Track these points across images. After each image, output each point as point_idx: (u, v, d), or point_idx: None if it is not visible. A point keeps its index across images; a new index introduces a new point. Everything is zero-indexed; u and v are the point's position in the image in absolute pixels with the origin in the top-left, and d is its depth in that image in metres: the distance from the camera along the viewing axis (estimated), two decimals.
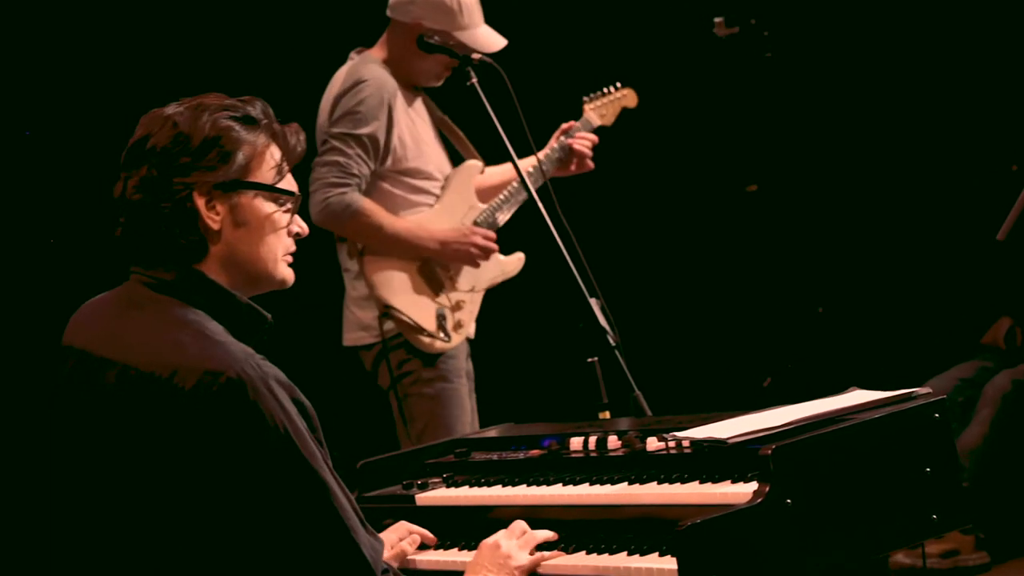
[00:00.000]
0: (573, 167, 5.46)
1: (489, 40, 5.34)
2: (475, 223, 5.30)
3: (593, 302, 4.47)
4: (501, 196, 5.36)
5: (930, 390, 3.23)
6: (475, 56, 4.83)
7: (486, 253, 5.25)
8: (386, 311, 5.11)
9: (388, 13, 5.36)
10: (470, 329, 5.33)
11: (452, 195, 5.34)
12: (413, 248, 5.17)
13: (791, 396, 3.54)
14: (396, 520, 3.57)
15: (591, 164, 5.50)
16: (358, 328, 5.25)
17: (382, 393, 5.30)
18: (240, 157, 2.92)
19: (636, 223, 7.29)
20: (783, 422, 3.08)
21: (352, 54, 5.38)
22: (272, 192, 2.97)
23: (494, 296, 5.43)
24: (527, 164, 5.07)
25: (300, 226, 3.06)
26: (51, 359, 3.13)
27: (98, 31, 6.11)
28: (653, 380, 4.79)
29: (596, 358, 4.39)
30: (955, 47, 6.57)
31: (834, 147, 6.94)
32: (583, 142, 5.47)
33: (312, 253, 3.43)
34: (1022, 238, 3.63)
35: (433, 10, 5.24)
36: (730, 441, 3.06)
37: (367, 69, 5.24)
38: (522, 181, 4.64)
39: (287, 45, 6.70)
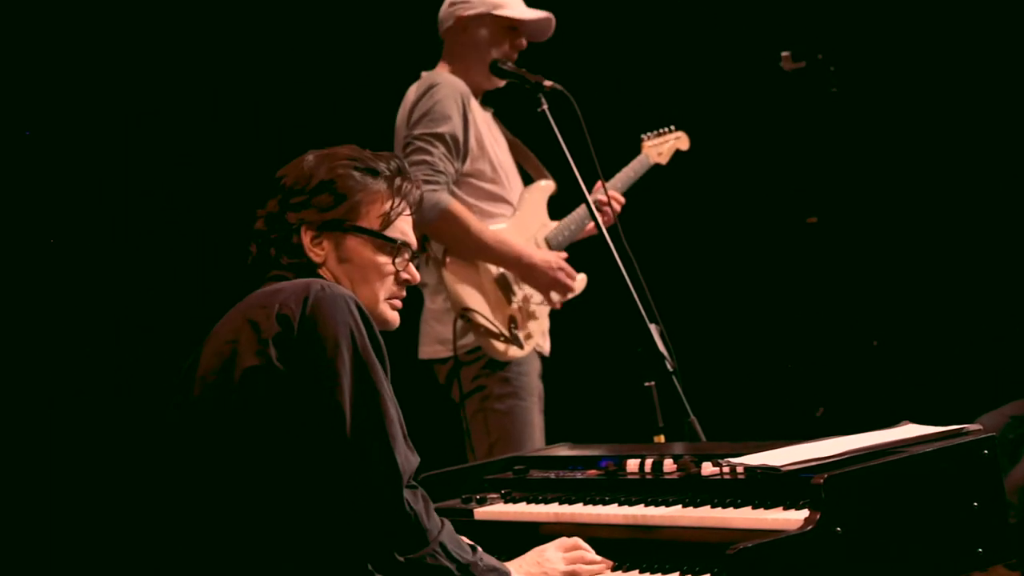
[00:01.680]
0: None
1: (533, 12, 5.50)
2: (545, 240, 5.40)
3: (653, 328, 4.57)
4: (569, 219, 5.45)
5: (980, 427, 3.31)
6: (547, 83, 4.93)
7: (564, 289, 5.33)
8: (463, 314, 5.18)
9: (440, 32, 5.54)
10: (543, 344, 5.41)
11: (526, 211, 5.45)
12: (496, 259, 5.25)
13: (844, 427, 3.61)
14: (459, 533, 3.67)
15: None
16: (434, 341, 5.34)
17: (454, 407, 5.37)
18: (351, 201, 3.28)
19: (700, 252, 7.37)
20: (835, 452, 3.16)
21: (423, 73, 5.49)
22: (373, 237, 3.28)
23: (560, 317, 5.51)
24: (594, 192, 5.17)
25: (411, 274, 3.37)
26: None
27: (98, 31, 6.15)
28: (709, 407, 4.88)
29: (653, 383, 4.48)
30: (1014, 88, 6.62)
31: (894, 182, 7.00)
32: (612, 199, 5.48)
33: None
34: None
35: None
36: (783, 469, 3.15)
37: (439, 76, 5.37)
38: (589, 209, 4.74)
39: (353, 72, 6.80)
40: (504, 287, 5.29)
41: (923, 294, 6.94)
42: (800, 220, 6.98)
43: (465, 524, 3.69)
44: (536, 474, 3.90)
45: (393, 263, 3.35)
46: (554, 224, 5.49)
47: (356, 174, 3.32)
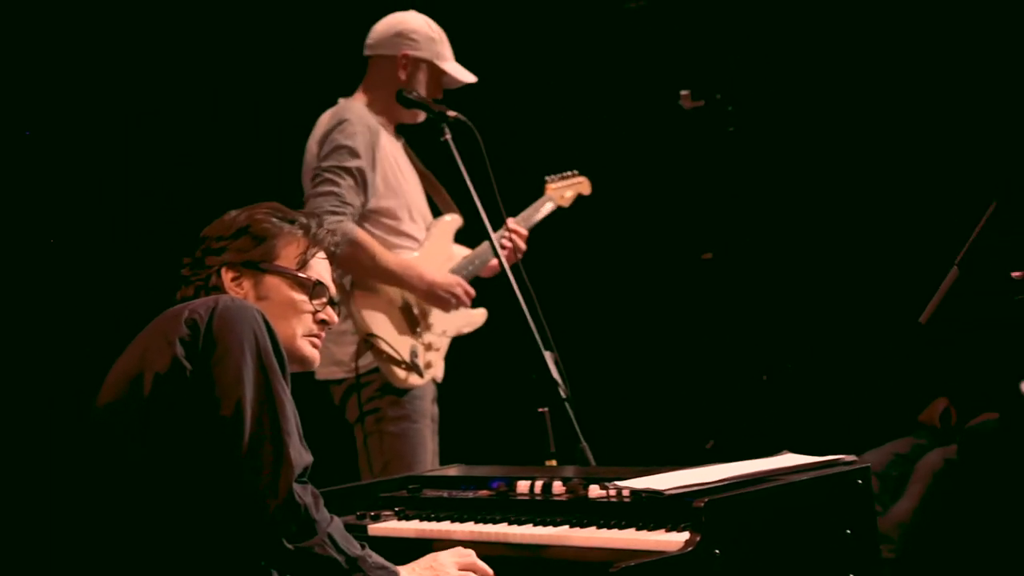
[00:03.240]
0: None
1: (465, 73, 5.66)
2: (451, 272, 5.51)
3: (548, 355, 4.71)
4: (473, 253, 5.57)
5: (855, 457, 3.46)
6: (451, 113, 5.05)
7: (463, 303, 5.46)
8: (368, 339, 5.27)
9: (367, 52, 5.61)
10: (438, 372, 5.51)
11: (433, 244, 5.55)
12: (400, 284, 5.35)
13: (732, 457, 3.73)
14: None
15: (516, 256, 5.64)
16: (331, 362, 5.41)
17: (349, 427, 5.45)
18: (267, 244, 3.49)
19: (599, 286, 7.48)
20: (717, 478, 3.30)
21: (340, 100, 5.57)
22: (290, 277, 3.48)
23: (461, 343, 5.63)
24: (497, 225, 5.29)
25: (329, 315, 3.57)
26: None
27: (98, 31, 6.20)
28: (602, 434, 5.00)
29: (547, 409, 4.59)
30: (909, 133, 6.80)
31: (786, 221, 7.16)
32: (517, 236, 5.61)
33: None
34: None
35: (417, 37, 5.54)
36: (667, 492, 3.28)
37: (351, 109, 5.45)
38: (490, 243, 4.87)
39: (274, 91, 6.86)
40: (408, 316, 5.39)
41: (814, 331, 7.10)
42: (696, 256, 7.12)
43: (359, 540, 3.79)
44: (429, 493, 4.00)
45: (310, 302, 3.50)
46: (459, 257, 5.60)
47: (274, 219, 3.54)
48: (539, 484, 3.70)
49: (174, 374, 3.11)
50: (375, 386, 5.33)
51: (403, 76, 5.50)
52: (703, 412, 7.08)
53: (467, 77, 5.64)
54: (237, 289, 3.45)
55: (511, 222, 5.56)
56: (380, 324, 5.30)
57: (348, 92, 5.60)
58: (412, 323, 5.39)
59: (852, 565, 3.32)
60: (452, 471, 4.33)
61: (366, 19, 5.73)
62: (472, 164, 4.99)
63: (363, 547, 3.24)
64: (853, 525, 3.34)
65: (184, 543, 3.08)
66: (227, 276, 3.46)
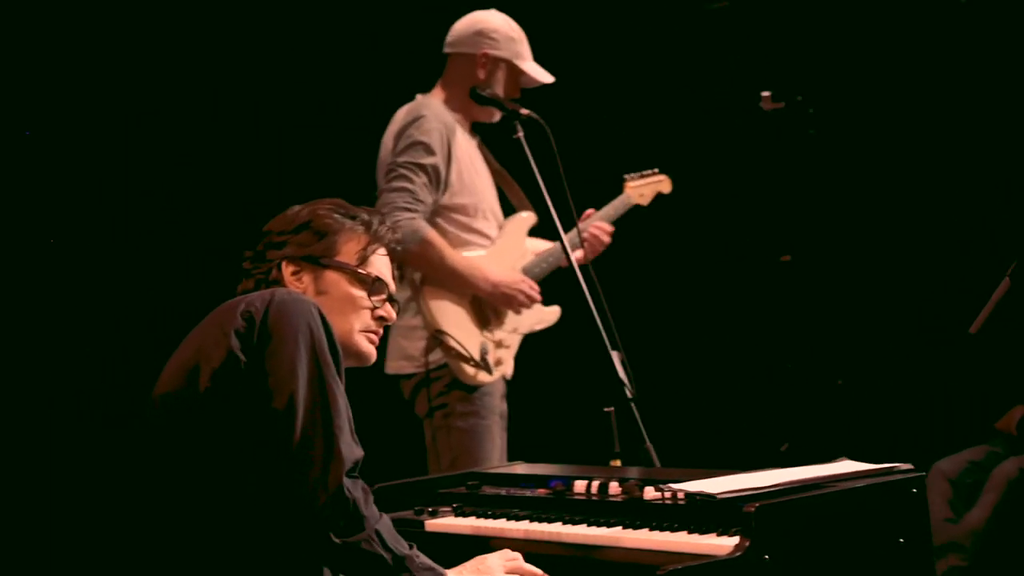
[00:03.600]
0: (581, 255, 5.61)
1: (544, 73, 5.68)
2: (523, 270, 5.53)
3: (615, 355, 4.70)
4: (547, 251, 5.58)
5: (910, 466, 3.43)
6: (524, 112, 5.07)
7: (530, 302, 5.48)
8: (437, 335, 5.31)
9: (447, 50, 5.65)
10: (508, 369, 5.54)
11: (505, 242, 5.58)
12: (466, 284, 5.38)
13: (806, 461, 3.71)
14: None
15: (598, 251, 5.70)
16: (401, 357, 5.46)
17: (418, 422, 5.50)
18: (328, 239, 3.53)
19: (671, 285, 7.48)
20: (770, 483, 3.29)
21: (417, 96, 5.60)
22: (350, 272, 3.50)
23: (529, 341, 5.64)
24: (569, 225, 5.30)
25: (387, 312, 3.58)
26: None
27: (98, 31, 6.22)
28: (672, 435, 5.00)
29: (613, 408, 4.60)
30: (990, 134, 6.73)
31: (867, 224, 7.11)
32: (599, 231, 5.68)
33: None
34: None
35: (497, 36, 5.57)
36: (719, 496, 3.28)
37: (428, 106, 5.49)
38: (561, 244, 4.88)
39: (351, 85, 6.90)
40: (479, 313, 5.41)
41: (894, 338, 7.05)
42: (774, 258, 7.09)
43: (416, 535, 3.80)
44: (488, 490, 4.02)
45: (369, 298, 3.52)
46: (532, 255, 5.62)
47: (336, 215, 3.56)
48: (596, 484, 3.71)
49: (229, 366, 3.15)
50: (444, 381, 5.36)
51: (482, 75, 5.53)
52: (774, 415, 7.05)
53: (546, 77, 5.67)
54: (297, 283, 3.48)
55: (592, 220, 5.60)
56: (450, 320, 5.33)
57: (426, 88, 5.63)
58: (483, 319, 5.41)
59: (905, 574, 3.30)
60: (513, 469, 4.34)
61: (447, 16, 5.76)
62: (546, 163, 5.00)
63: (411, 547, 3.25)
64: (906, 534, 3.32)
65: (235, 533, 3.12)
66: (287, 270, 3.49)
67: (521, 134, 5.01)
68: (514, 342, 5.54)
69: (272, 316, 3.18)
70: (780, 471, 3.48)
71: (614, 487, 3.67)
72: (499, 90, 5.51)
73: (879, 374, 6.99)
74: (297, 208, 3.61)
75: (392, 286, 3.61)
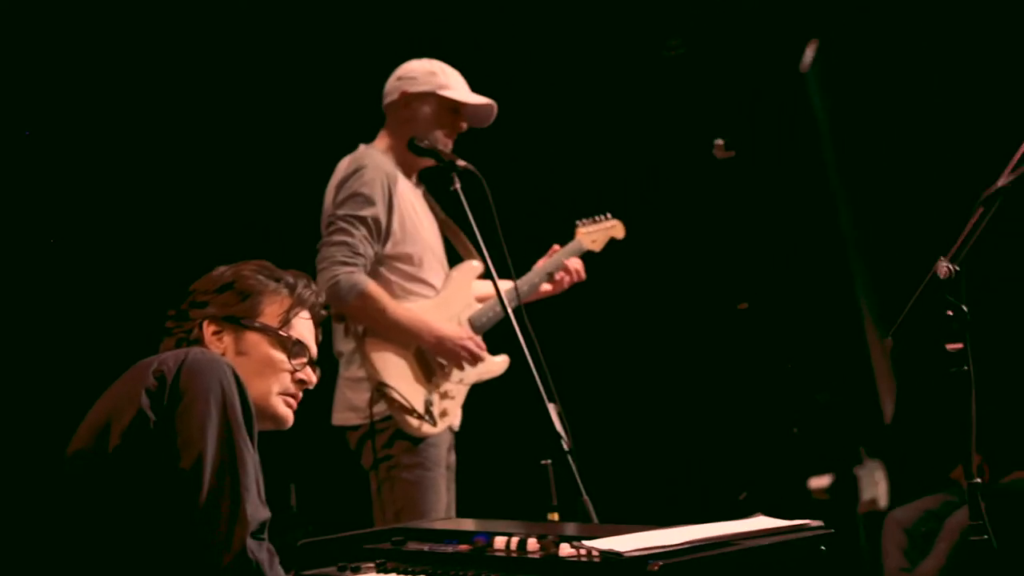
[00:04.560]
0: (551, 287, 5.70)
1: (475, 96, 5.67)
2: (469, 320, 5.52)
3: (551, 407, 4.69)
4: (493, 301, 5.57)
5: (821, 523, 3.42)
6: (460, 163, 5.07)
7: (474, 359, 5.47)
8: (380, 388, 5.30)
9: (383, 105, 5.69)
10: (455, 420, 5.53)
11: (450, 291, 5.58)
12: (410, 337, 5.37)
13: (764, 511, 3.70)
14: None
15: (564, 286, 5.77)
16: (347, 408, 5.45)
17: (364, 473, 5.47)
18: (251, 300, 3.56)
19: (628, 337, 7.46)
20: (679, 541, 3.28)
21: (360, 146, 5.62)
22: (270, 334, 3.52)
23: (472, 391, 5.63)
24: (507, 281, 5.31)
25: (308, 376, 3.62)
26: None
27: (98, 31, 6.27)
28: (620, 487, 4.98)
29: (549, 461, 4.60)
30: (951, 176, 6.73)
31: (821, 271, 7.11)
32: (575, 265, 5.75)
33: None
34: (990, 379, 3.78)
35: (415, 75, 5.60)
36: (626, 555, 3.27)
37: (369, 156, 5.51)
38: (498, 295, 4.87)
39: (296, 134, 6.92)
40: (423, 364, 5.41)
41: (847, 382, 7.03)
42: (731, 306, 7.08)
43: None
44: (412, 546, 3.99)
45: (289, 361, 3.53)
46: (479, 305, 5.61)
47: (260, 277, 3.61)
48: (515, 541, 3.69)
49: (138, 425, 3.14)
50: (389, 433, 5.35)
51: (409, 115, 5.54)
52: (734, 465, 7.04)
53: (477, 99, 5.65)
54: (217, 343, 3.49)
55: (543, 267, 5.64)
56: (393, 372, 5.32)
57: (371, 138, 5.65)
58: (427, 371, 5.41)
59: None
60: (438, 524, 4.33)
61: (395, 64, 5.77)
62: (497, 210, 5.01)
63: None
64: None
65: None
66: (208, 330, 3.51)
67: (458, 185, 5.01)
68: (460, 393, 5.53)
69: (184, 376, 3.18)
70: (695, 527, 3.47)
71: (532, 544, 3.65)
72: (435, 127, 5.52)
73: (833, 422, 6.97)
74: (222, 269, 3.64)
75: (313, 350, 3.62)
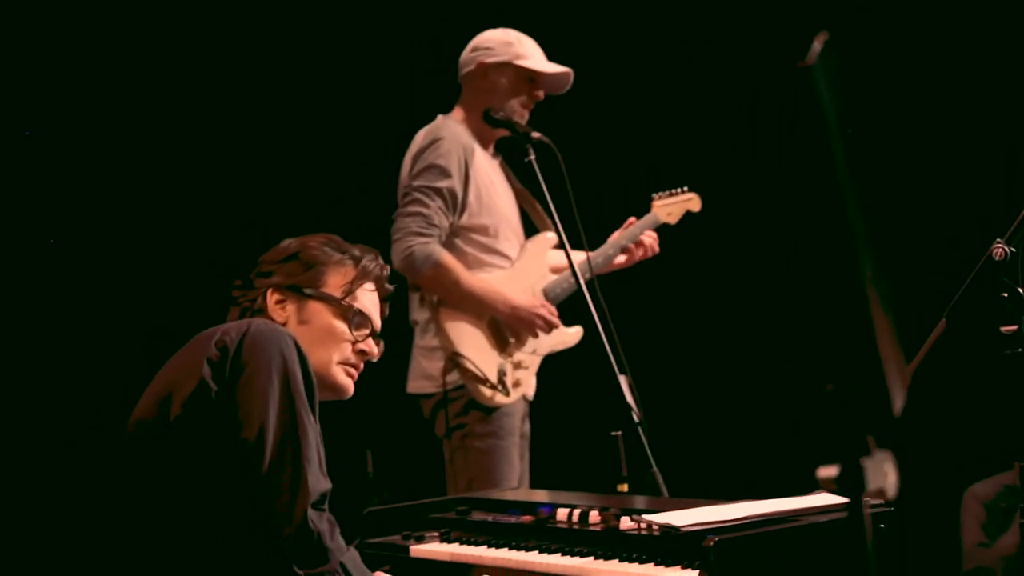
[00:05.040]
0: (625, 259, 5.69)
1: (553, 64, 5.64)
2: (543, 291, 5.54)
3: (622, 379, 4.70)
4: (567, 272, 5.57)
5: (882, 500, 3.40)
6: (535, 135, 5.08)
7: (548, 326, 5.47)
8: (454, 358, 5.33)
9: (459, 77, 5.68)
10: (529, 389, 5.54)
11: (525, 262, 5.59)
12: (484, 307, 5.39)
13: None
14: (394, 567, 3.83)
15: (636, 258, 5.75)
16: (421, 377, 5.48)
17: (438, 441, 5.51)
18: (314, 271, 3.58)
19: (702, 310, 7.39)
20: (736, 516, 3.28)
21: (439, 117, 5.63)
22: (333, 304, 3.54)
23: (544, 363, 5.64)
24: (581, 253, 5.30)
25: (369, 348, 3.61)
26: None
27: (98, 31, 6.25)
28: (697, 461, 4.94)
29: (620, 432, 4.61)
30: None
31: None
32: (650, 238, 5.74)
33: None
34: None
35: (491, 45, 5.59)
36: (683, 529, 3.28)
37: (446, 128, 5.51)
38: (569, 262, 4.89)
39: (373, 107, 6.94)
40: (497, 334, 5.43)
41: (930, 361, 6.94)
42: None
43: (400, 560, 3.86)
44: (477, 516, 4.03)
45: (351, 331, 3.55)
46: (553, 276, 5.62)
47: (326, 248, 3.62)
48: (577, 513, 3.71)
49: (200, 396, 3.17)
50: (462, 402, 5.37)
51: (486, 85, 5.53)
52: (798, 440, 6.96)
53: (554, 68, 5.61)
54: (280, 312, 3.52)
55: (618, 240, 5.64)
56: (466, 342, 5.34)
57: (449, 110, 5.67)
58: (501, 341, 5.43)
59: None
60: (504, 495, 4.37)
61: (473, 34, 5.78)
62: (572, 182, 5.02)
63: None
64: (872, 570, 3.29)
65: (202, 563, 3.15)
66: (272, 298, 3.53)
67: (532, 157, 5.02)
68: (534, 363, 5.54)
69: (246, 347, 3.21)
70: (756, 503, 3.47)
71: (594, 516, 3.67)
72: (511, 97, 5.51)
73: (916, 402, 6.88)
74: (290, 240, 3.66)
75: (376, 322, 3.64)
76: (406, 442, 6.05)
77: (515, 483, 5.38)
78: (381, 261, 3.72)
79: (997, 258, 3.00)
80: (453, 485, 5.39)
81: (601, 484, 4.70)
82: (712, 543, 3.09)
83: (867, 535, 2.91)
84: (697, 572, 3.12)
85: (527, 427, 5.59)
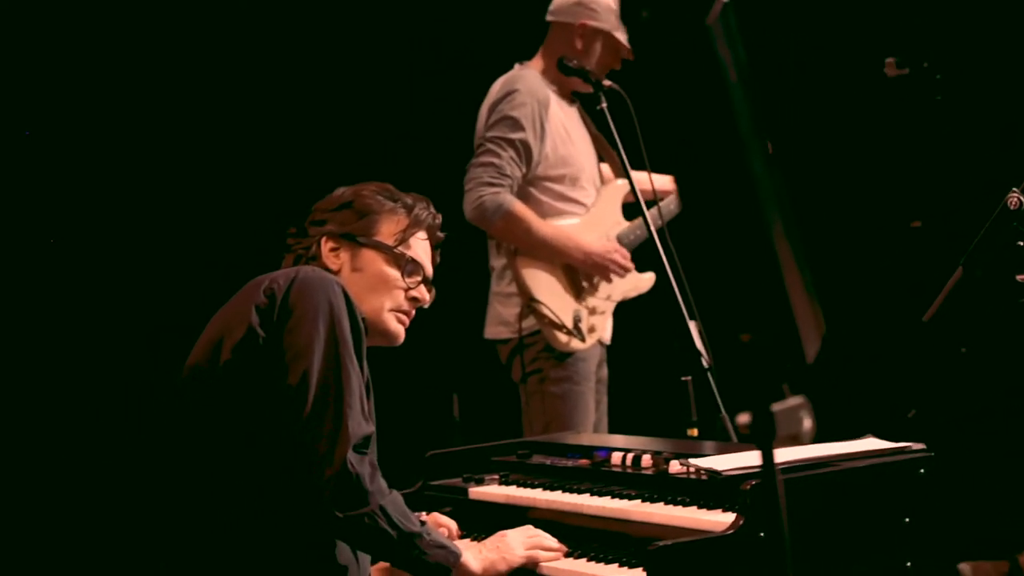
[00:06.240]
0: None
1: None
2: (617, 238, 5.58)
3: (692, 325, 4.74)
4: (639, 220, 5.60)
5: (923, 446, 3.42)
6: (606, 83, 5.12)
7: (622, 271, 5.52)
8: (530, 304, 5.40)
9: (548, 18, 5.68)
10: (605, 334, 5.59)
11: (600, 209, 5.63)
12: (557, 254, 5.45)
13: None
14: (454, 509, 3.92)
15: None
16: (498, 322, 5.57)
17: (514, 386, 5.59)
18: (368, 219, 3.64)
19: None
20: (779, 461, 3.31)
21: (516, 66, 5.67)
22: (385, 251, 3.60)
23: (622, 308, 5.69)
24: (646, 184, 5.32)
25: (421, 295, 3.68)
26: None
27: (98, 31, 6.25)
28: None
29: (690, 378, 4.66)
30: None
31: (994, 189, 6.94)
32: None
33: (463, 251, 3.82)
34: None
35: (598, 9, 5.60)
36: (724, 473, 3.33)
37: (522, 79, 5.55)
38: (639, 208, 4.93)
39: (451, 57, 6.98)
40: (572, 281, 5.48)
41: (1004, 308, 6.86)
42: (905, 224, 6.96)
43: (460, 502, 3.95)
44: (536, 459, 4.11)
45: (403, 279, 3.62)
46: (627, 223, 5.66)
47: (379, 197, 3.68)
48: (630, 457, 3.77)
49: (249, 341, 3.28)
50: (538, 347, 5.44)
51: (579, 45, 5.56)
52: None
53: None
54: (334, 259, 3.59)
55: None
56: (542, 288, 5.40)
57: (529, 55, 5.69)
58: (576, 287, 5.47)
59: (910, 554, 3.31)
60: (566, 438, 4.43)
61: None
62: (644, 132, 5.05)
63: (423, 525, 3.33)
64: (912, 514, 3.32)
65: (246, 503, 3.25)
66: (326, 246, 3.60)
67: (604, 105, 5.06)
68: (608, 308, 5.59)
69: (293, 293, 3.30)
70: (802, 448, 3.50)
71: (646, 460, 3.73)
72: (594, 61, 5.53)
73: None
74: (343, 189, 3.73)
75: (428, 269, 3.70)
76: (490, 386, 6.11)
77: (590, 428, 5.44)
78: (433, 209, 3.77)
79: (1012, 207, 3.01)
80: (529, 429, 5.46)
81: (672, 429, 4.75)
82: (749, 487, 3.13)
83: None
84: (734, 515, 3.16)
85: (604, 372, 5.64)
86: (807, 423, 1.93)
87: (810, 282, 1.90)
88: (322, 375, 3.23)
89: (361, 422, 3.26)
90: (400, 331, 3.65)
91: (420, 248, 3.69)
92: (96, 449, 6.02)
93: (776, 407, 1.94)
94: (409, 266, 3.63)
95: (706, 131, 1.98)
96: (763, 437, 1.96)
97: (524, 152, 5.41)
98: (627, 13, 5.66)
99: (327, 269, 3.55)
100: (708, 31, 1.82)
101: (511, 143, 5.39)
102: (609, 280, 5.52)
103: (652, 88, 5.57)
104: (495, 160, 5.38)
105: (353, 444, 3.20)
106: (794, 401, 1.91)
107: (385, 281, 3.61)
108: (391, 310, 3.62)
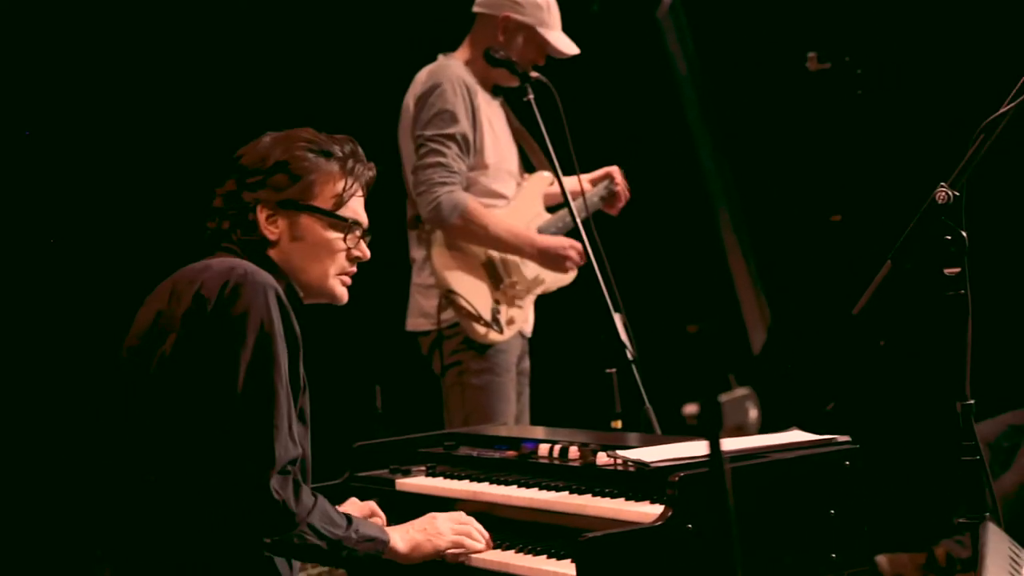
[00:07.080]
0: (613, 209, 5.73)
1: (568, 44, 5.65)
2: (538, 230, 5.58)
3: (617, 317, 4.76)
4: (563, 212, 5.60)
5: (849, 438, 3.45)
6: (533, 74, 5.12)
7: (581, 260, 5.47)
8: (448, 295, 5.38)
9: (474, 9, 5.65)
10: (526, 326, 5.59)
11: (522, 201, 5.63)
12: (512, 249, 5.46)
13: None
14: (381, 500, 3.90)
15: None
16: (419, 314, 5.55)
17: (435, 378, 5.58)
18: (305, 182, 3.48)
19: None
20: (702, 452, 3.33)
21: (440, 57, 5.65)
22: (326, 216, 3.49)
23: (545, 300, 5.69)
24: (573, 183, 5.36)
25: (363, 252, 3.58)
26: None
27: (98, 31, 6.26)
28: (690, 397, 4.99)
29: (614, 370, 4.67)
30: None
31: (916, 183, 7.01)
32: (623, 186, 5.74)
33: (383, 243, 3.78)
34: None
35: (523, 3, 5.55)
36: (652, 465, 3.34)
37: (447, 68, 5.52)
38: (565, 202, 4.94)
39: (372, 47, 6.97)
40: (491, 272, 5.47)
41: (939, 297, 6.94)
42: (824, 218, 7.03)
43: (387, 494, 3.94)
44: (463, 451, 4.10)
45: (344, 240, 3.54)
46: (548, 215, 5.66)
47: (311, 155, 3.50)
48: (557, 448, 3.78)
49: (177, 351, 3.23)
50: (458, 339, 5.44)
51: (501, 38, 5.53)
52: (821, 376, 7.00)
53: (570, 48, 5.63)
54: (272, 229, 3.45)
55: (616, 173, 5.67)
56: (460, 280, 5.39)
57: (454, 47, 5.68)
58: (495, 280, 5.47)
59: (835, 545, 3.34)
60: (489, 430, 4.44)
61: None
62: (570, 122, 5.06)
63: (349, 523, 3.32)
64: (837, 505, 3.35)
65: (179, 499, 3.23)
66: (262, 215, 3.46)
67: (531, 97, 5.06)
68: (528, 301, 5.59)
69: (224, 303, 3.23)
70: (729, 440, 3.51)
71: (573, 452, 3.74)
72: (516, 55, 5.50)
73: (921, 337, 6.91)
74: (269, 141, 3.54)
75: (365, 222, 3.60)
76: (413, 378, 6.11)
77: (511, 419, 5.45)
78: (363, 157, 3.62)
79: (940, 201, 3.05)
80: (450, 421, 5.46)
81: (596, 421, 4.76)
82: (677, 479, 3.15)
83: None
84: (662, 507, 3.17)
85: (526, 364, 5.65)
86: (753, 413, 1.94)
87: (756, 273, 1.91)
88: (250, 397, 3.18)
89: (288, 446, 3.21)
90: (344, 293, 3.57)
91: (356, 203, 3.58)
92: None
93: (723, 398, 1.94)
94: (351, 228, 3.55)
95: (655, 123, 1.99)
96: (710, 427, 1.96)
97: (465, 145, 5.39)
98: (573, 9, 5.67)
99: (265, 240, 3.46)
100: (657, 25, 1.82)
101: (452, 138, 5.37)
102: (563, 271, 5.52)
103: (584, 81, 5.61)
104: (441, 159, 5.35)
105: (278, 469, 3.17)
106: (740, 392, 1.92)
107: (327, 246, 3.51)
108: (336, 275, 3.54)
